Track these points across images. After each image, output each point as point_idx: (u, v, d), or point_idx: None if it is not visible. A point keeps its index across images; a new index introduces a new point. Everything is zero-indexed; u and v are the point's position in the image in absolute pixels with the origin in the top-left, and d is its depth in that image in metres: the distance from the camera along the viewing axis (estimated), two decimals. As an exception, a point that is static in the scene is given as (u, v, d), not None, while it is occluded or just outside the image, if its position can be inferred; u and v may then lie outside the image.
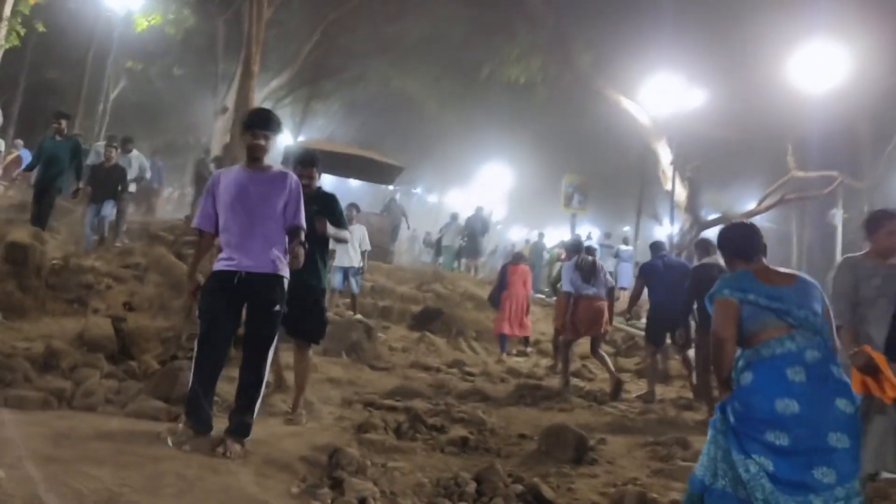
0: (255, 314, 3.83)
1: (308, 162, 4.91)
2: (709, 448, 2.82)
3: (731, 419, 2.73)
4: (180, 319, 6.71)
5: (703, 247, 7.12)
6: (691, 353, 7.42)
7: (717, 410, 2.87)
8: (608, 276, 7.86)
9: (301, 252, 3.77)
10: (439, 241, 18.02)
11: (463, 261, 17.57)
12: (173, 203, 25.05)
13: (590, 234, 19.21)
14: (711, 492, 2.73)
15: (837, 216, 19.02)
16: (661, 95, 15.55)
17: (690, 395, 7.54)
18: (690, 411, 6.87)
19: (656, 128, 16.36)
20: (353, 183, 26.61)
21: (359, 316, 9.90)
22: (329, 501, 3.12)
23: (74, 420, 3.81)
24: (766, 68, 14.75)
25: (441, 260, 17.69)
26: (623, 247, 17.64)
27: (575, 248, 8.03)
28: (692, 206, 15.59)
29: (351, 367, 7.25)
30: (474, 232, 16.69)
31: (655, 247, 8.19)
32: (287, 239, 3.90)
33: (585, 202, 20.68)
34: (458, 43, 20.29)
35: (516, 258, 10.95)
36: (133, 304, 7.07)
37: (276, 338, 3.90)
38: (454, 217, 18.10)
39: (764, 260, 3.02)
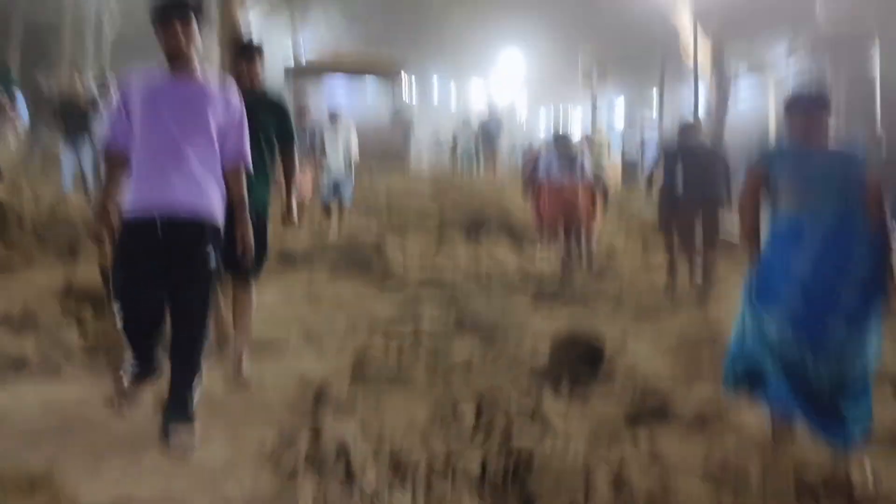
0: (182, 275, 2.97)
1: (250, 54, 3.92)
2: (740, 316, 3.05)
3: (752, 288, 2.97)
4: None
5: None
6: None
7: (745, 281, 3.07)
8: (588, 165, 7.47)
9: (249, 227, 3.15)
10: (454, 144, 17.38)
11: (481, 165, 16.96)
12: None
13: (613, 103, 18.18)
14: (742, 355, 3.00)
15: (875, 60, 17.56)
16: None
17: None
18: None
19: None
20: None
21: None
22: (304, 455, 2.81)
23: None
24: None
25: (458, 165, 17.10)
26: (648, 133, 16.72)
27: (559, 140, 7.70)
28: (717, 65, 14.49)
29: (360, 288, 6.94)
30: (490, 135, 16.02)
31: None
32: (225, 184, 3.08)
33: (605, 73, 19.50)
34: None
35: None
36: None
37: (211, 304, 3.13)
38: (466, 123, 17.38)
39: (814, 119, 3.02)
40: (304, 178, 8.40)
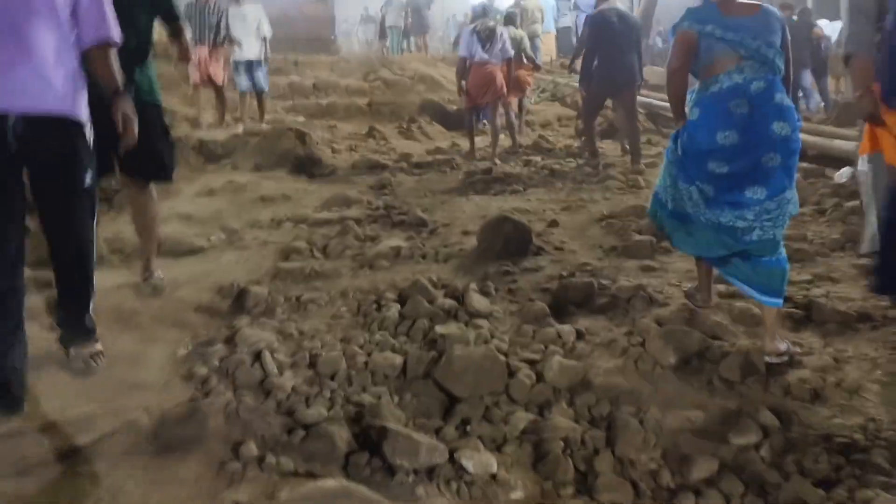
0: (48, 189, 2.46)
1: None
2: (663, 175, 3.08)
3: (679, 151, 2.94)
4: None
5: None
6: None
7: (670, 141, 3.05)
8: (507, 45, 7.55)
9: (131, 116, 2.60)
10: (382, 22, 16.50)
11: (412, 39, 16.24)
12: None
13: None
14: (666, 212, 3.03)
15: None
16: None
17: None
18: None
19: None
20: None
21: (293, 117, 9.22)
22: (217, 362, 2.68)
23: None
24: None
25: (388, 43, 16.32)
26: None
27: (480, 13, 8.11)
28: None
29: (286, 180, 6.66)
30: (418, 6, 15.21)
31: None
32: (87, 65, 2.55)
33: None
34: None
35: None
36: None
37: (93, 218, 2.59)
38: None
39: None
40: (215, 66, 7.93)
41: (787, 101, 2.82)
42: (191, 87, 8.39)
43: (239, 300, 3.37)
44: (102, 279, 2.90)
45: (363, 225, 4.94)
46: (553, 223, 4.89)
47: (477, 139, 7.98)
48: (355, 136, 9.23)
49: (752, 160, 2.75)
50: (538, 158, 7.72)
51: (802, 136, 2.96)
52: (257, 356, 2.69)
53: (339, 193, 5.88)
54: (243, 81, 8.46)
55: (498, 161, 7.39)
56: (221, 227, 4.90)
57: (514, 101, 8.85)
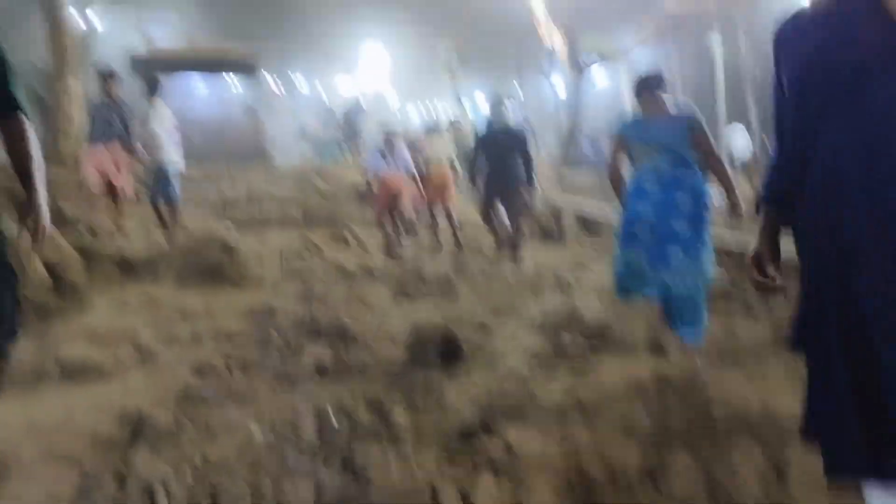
0: None
1: None
2: (616, 248, 3.97)
3: (622, 224, 3.88)
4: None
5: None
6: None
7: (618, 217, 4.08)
8: (406, 154, 8.53)
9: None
10: (318, 137, 16.82)
11: (346, 151, 16.50)
12: None
13: (473, 96, 18.29)
14: (622, 274, 3.89)
15: (713, 38, 18.61)
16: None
17: None
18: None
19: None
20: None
21: (225, 228, 9.01)
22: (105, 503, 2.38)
23: None
24: None
25: (322, 153, 16.55)
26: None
27: (386, 132, 8.83)
28: (571, 53, 14.83)
29: (210, 293, 6.38)
30: (351, 122, 15.57)
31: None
32: None
33: (465, 66, 19.74)
34: None
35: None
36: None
37: None
38: (329, 111, 16.87)
39: (654, 95, 3.93)
40: (122, 170, 7.47)
41: (693, 180, 3.74)
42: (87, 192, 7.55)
43: (139, 428, 3.07)
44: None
45: (287, 337, 4.71)
46: (484, 328, 4.77)
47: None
48: (288, 246, 9.06)
49: (665, 225, 3.64)
50: (468, 260, 7.70)
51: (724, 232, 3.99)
52: (150, 495, 2.39)
53: (264, 304, 5.66)
54: (156, 191, 7.68)
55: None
56: (133, 345, 4.58)
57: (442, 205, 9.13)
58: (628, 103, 27.19)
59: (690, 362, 3.62)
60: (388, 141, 8.54)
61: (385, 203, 8.40)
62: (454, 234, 8.88)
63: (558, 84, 15.82)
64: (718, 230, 4.69)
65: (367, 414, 3.15)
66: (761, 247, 1.90)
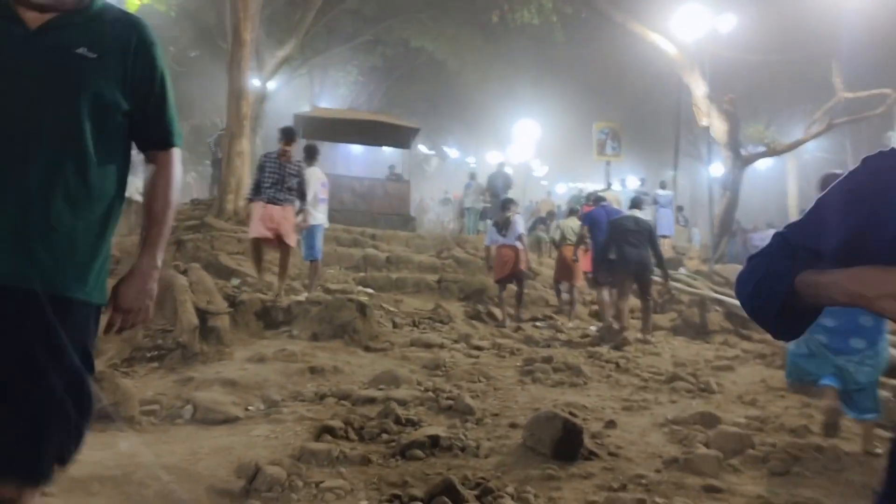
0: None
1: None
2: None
3: None
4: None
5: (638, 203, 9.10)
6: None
7: None
8: (519, 228, 9.19)
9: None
10: (461, 203, 17.14)
11: (489, 222, 16.67)
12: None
13: (623, 180, 18.03)
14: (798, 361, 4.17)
15: (894, 139, 17.38)
16: (690, 23, 14.16)
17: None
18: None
19: (686, 59, 15.00)
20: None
21: (363, 288, 9.28)
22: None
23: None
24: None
25: (465, 221, 16.82)
26: (661, 192, 16.49)
27: (502, 206, 9.75)
28: (731, 142, 14.28)
29: (340, 352, 6.53)
30: (496, 190, 15.75)
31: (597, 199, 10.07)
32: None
33: (619, 148, 19.59)
34: (469, -7, 19.11)
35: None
36: (100, 301, 6.50)
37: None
38: (472, 176, 17.19)
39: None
40: (287, 225, 7.36)
41: None
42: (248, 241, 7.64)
43: (253, 481, 3.11)
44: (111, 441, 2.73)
45: (408, 407, 4.68)
46: (611, 424, 4.50)
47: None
48: (420, 312, 9.17)
49: (852, 320, 3.87)
50: (604, 350, 7.39)
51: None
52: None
53: (391, 370, 5.68)
54: (309, 249, 8.14)
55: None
56: (262, 397, 4.74)
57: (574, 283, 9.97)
58: (793, 196, 25.85)
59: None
60: (504, 216, 9.30)
61: (500, 273, 9.13)
62: (572, 309, 9.81)
63: (716, 173, 15.24)
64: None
65: (475, 499, 3.02)
66: None
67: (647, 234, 8.45)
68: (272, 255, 8.04)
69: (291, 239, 7.42)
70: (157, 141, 1.86)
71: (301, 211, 7.53)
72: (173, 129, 1.87)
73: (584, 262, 9.66)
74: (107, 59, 1.69)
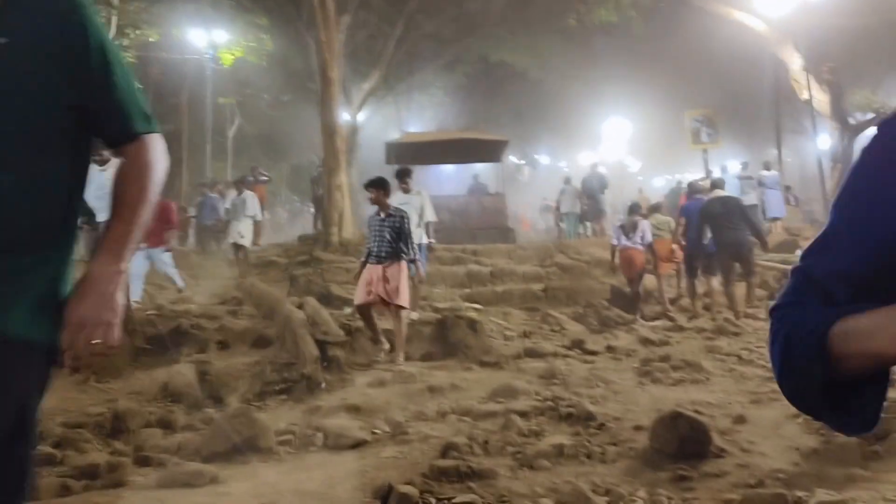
0: None
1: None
2: None
3: None
4: (268, 351, 6.47)
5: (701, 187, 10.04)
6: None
7: None
8: (646, 231, 9.65)
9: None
10: (558, 208, 17.04)
11: (588, 224, 16.50)
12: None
13: (724, 166, 17.38)
14: None
15: None
16: (776, -6, 13.59)
17: None
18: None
19: (777, 33, 14.38)
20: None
21: (470, 304, 9.38)
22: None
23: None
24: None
25: (564, 227, 16.71)
26: (765, 172, 15.80)
27: (631, 210, 10.05)
28: (836, 112, 13.54)
29: (456, 369, 6.65)
30: (593, 192, 15.58)
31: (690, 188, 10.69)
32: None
33: (716, 134, 18.92)
34: (544, 1, 19.08)
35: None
36: (226, 340, 6.92)
37: None
38: (567, 181, 17.06)
39: None
40: (397, 283, 6.67)
41: None
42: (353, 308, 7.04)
43: (387, 501, 3.23)
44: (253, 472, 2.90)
45: (528, 418, 4.71)
46: (740, 419, 4.37)
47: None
48: (530, 323, 9.17)
49: None
50: (724, 343, 7.15)
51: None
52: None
53: (507, 384, 5.72)
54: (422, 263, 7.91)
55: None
56: (386, 420, 4.89)
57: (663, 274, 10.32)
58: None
59: None
60: (631, 220, 9.78)
61: (627, 273, 9.75)
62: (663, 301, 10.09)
63: (824, 146, 14.49)
64: None
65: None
66: None
67: (737, 213, 8.78)
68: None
69: (402, 299, 6.61)
70: (120, 132, 1.45)
71: (413, 261, 6.89)
72: (134, 112, 1.45)
73: (678, 255, 10.13)
74: (23, 42, 1.30)
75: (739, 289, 9.11)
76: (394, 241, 6.69)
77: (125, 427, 4.67)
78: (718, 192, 9.20)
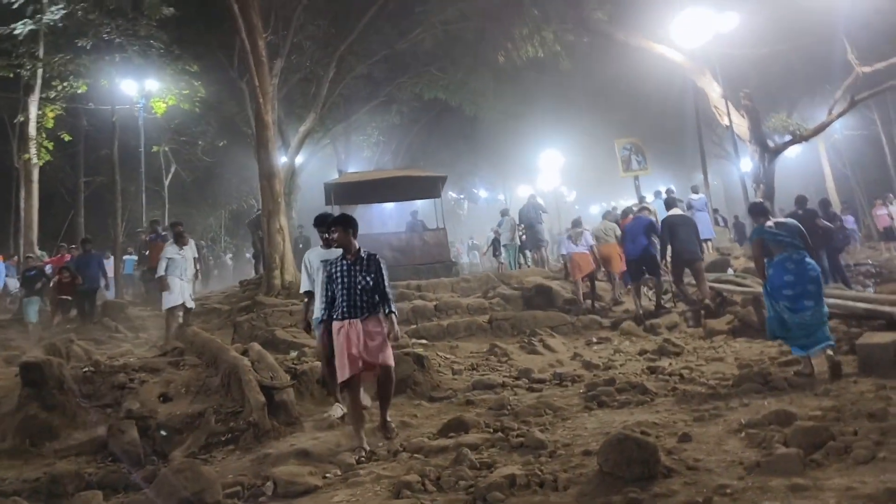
0: None
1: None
2: (767, 307, 6.40)
3: (768, 289, 6.34)
4: (213, 400, 6.31)
5: (672, 203, 11.32)
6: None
7: (763, 287, 6.50)
8: (588, 238, 12.15)
9: None
10: (496, 241, 17.26)
11: (528, 254, 16.74)
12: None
13: (658, 192, 17.95)
14: (774, 322, 6.29)
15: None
16: (691, 29, 14.25)
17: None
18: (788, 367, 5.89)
19: (696, 63, 15.06)
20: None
21: (417, 340, 9.37)
22: None
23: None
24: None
25: (503, 259, 16.91)
26: (694, 196, 16.40)
27: (574, 224, 12.61)
28: (756, 136, 14.19)
29: (405, 406, 6.62)
30: (531, 222, 15.85)
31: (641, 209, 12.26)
32: None
33: (645, 161, 19.62)
34: (472, 40, 19.54)
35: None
36: (169, 393, 6.72)
37: None
38: (504, 213, 17.35)
39: (772, 218, 6.65)
40: (383, 344, 5.41)
41: (813, 262, 6.26)
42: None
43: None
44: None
45: (480, 451, 4.72)
46: (685, 437, 4.47)
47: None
48: (476, 355, 9.22)
49: (803, 288, 6.09)
50: (665, 363, 7.33)
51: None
52: None
53: (457, 417, 5.72)
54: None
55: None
56: (337, 463, 4.83)
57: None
58: (829, 178, 25.43)
59: None
60: (576, 231, 12.27)
61: (577, 274, 12.06)
62: (613, 291, 12.69)
63: (747, 168, 15.17)
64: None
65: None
66: None
67: (692, 228, 10.59)
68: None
69: (384, 358, 5.42)
70: None
71: (391, 313, 5.46)
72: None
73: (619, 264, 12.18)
74: None
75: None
76: (370, 291, 5.40)
77: (63, 491, 4.48)
78: (676, 211, 10.81)
